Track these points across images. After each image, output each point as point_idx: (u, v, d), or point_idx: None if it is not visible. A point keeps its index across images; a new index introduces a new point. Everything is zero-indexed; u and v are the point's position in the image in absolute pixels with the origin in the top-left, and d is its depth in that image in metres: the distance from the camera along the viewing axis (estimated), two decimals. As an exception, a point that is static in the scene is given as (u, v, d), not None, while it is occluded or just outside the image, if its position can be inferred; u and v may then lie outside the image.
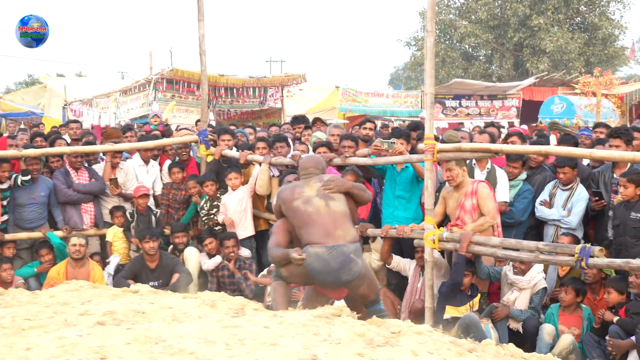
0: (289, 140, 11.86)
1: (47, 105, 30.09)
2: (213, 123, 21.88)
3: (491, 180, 9.16)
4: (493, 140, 9.41)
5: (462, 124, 26.36)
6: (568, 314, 8.35)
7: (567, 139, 10.39)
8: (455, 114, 30.12)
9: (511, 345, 5.21)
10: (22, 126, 22.68)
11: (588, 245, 7.36)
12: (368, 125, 11.64)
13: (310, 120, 13.65)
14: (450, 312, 8.47)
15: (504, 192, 9.27)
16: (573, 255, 7.28)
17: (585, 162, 10.05)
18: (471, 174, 9.26)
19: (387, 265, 9.51)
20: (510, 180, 9.48)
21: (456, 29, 43.81)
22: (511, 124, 27.86)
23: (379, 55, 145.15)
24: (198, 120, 19.79)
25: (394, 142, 9.16)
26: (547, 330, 8.19)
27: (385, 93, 30.98)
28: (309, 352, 4.41)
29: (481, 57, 46.21)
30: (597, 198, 8.98)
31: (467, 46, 45.72)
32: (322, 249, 7.11)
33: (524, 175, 9.62)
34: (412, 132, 10.61)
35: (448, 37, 45.49)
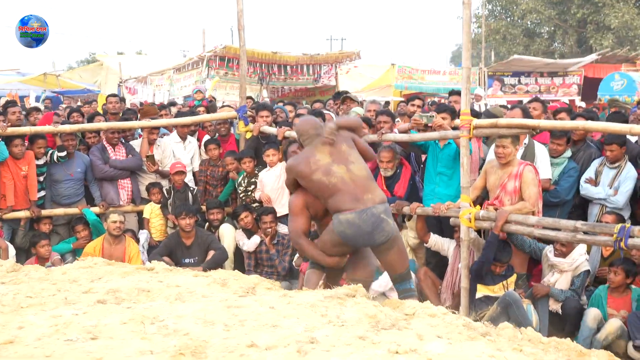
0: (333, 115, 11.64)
1: (103, 82, 30.29)
2: (267, 100, 21.78)
3: (529, 156, 8.79)
4: (527, 116, 9.00)
5: (520, 101, 25.74)
6: (617, 296, 7.97)
7: (616, 116, 9.95)
8: (514, 91, 29.40)
9: (529, 329, 4.89)
10: (78, 104, 22.84)
11: (628, 225, 6.99)
12: (416, 102, 11.37)
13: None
14: (482, 291, 8.20)
15: (545, 168, 8.86)
16: (612, 235, 6.93)
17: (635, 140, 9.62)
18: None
19: (425, 244, 9.25)
20: (554, 157, 9.10)
21: (518, 6, 42.90)
22: (572, 102, 27.18)
23: (441, 32, 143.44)
24: (249, 97, 19.74)
25: (433, 116, 8.85)
26: (592, 315, 7.81)
27: (442, 70, 30.39)
28: (309, 334, 4.19)
29: (543, 34, 45.20)
30: None
31: (529, 23, 44.75)
32: (352, 215, 6.89)
33: (569, 153, 9.21)
34: (453, 96, 10.33)
35: (509, 13, 44.60)
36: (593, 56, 30.07)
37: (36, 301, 4.88)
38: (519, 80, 29.53)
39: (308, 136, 7.42)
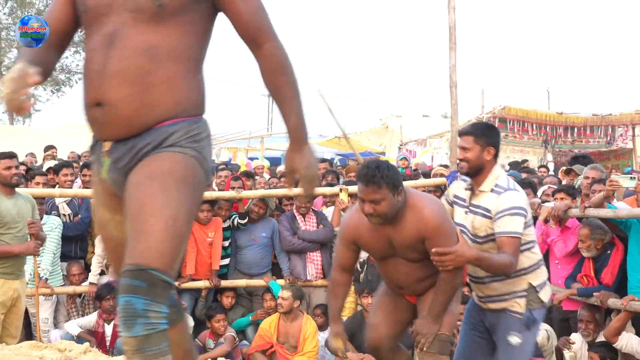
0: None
1: (388, 145, 30.18)
2: (551, 165, 20.33)
3: None
4: None
5: None
6: None
7: None
8: None
9: None
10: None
11: None
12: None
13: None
14: None
15: None
16: None
17: None
18: None
19: (612, 344, 7.17)
20: None
21: None
22: None
23: None
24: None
25: (635, 178, 7.05)
26: None
27: None
28: None
29: None
30: None
31: None
32: None
33: None
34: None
35: None
36: None
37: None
38: None
39: None
